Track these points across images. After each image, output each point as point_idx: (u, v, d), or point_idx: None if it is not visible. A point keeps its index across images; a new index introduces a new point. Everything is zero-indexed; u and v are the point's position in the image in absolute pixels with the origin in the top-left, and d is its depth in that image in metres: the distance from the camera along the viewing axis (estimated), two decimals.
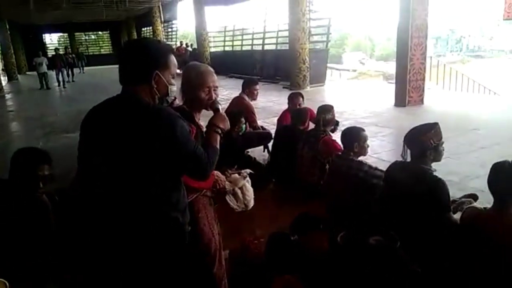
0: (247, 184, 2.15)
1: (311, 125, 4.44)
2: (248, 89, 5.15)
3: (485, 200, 2.12)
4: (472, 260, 2.01)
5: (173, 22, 25.10)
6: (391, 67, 16.97)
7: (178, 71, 1.68)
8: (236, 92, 5.63)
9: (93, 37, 36.75)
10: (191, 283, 1.98)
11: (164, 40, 23.58)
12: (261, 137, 5.18)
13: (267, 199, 4.27)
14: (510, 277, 1.90)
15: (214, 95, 1.94)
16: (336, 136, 4.00)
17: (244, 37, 18.13)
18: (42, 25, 28.74)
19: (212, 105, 1.90)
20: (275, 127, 5.39)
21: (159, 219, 1.56)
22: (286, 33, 12.57)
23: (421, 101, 8.58)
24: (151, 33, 24.07)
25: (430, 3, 8.22)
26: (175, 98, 2.07)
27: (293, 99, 4.99)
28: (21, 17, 23.67)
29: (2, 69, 21.98)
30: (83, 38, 35.38)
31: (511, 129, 6.04)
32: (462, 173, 4.12)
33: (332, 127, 4.09)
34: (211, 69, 2.00)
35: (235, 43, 18.89)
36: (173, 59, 1.61)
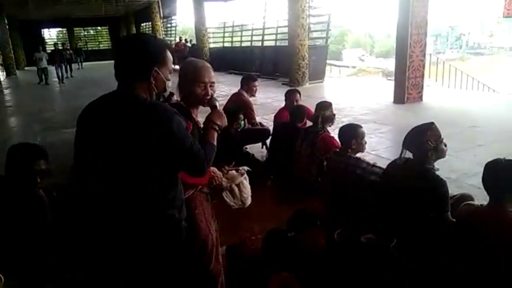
0: (245, 181, 2.14)
1: (308, 123, 4.44)
2: (247, 85, 5.14)
3: (482, 198, 2.13)
4: (470, 258, 2.01)
5: (173, 17, 25.01)
6: (390, 64, 16.98)
7: (176, 66, 1.68)
8: (235, 89, 5.62)
9: (92, 32, 36.60)
10: (188, 279, 1.98)
11: (163, 35, 23.53)
12: (260, 133, 5.18)
13: (264, 196, 4.28)
14: (507, 274, 1.90)
15: (210, 91, 1.93)
16: (334, 132, 3.99)
17: (244, 33, 18.08)
18: (41, 20, 28.62)
19: (210, 102, 1.90)
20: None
21: (155, 216, 1.56)
22: (286, 29, 12.53)
23: (420, 98, 8.58)
24: (150, 28, 23.99)
25: (430, 0, 8.20)
26: (173, 94, 2.07)
27: (290, 95, 4.98)
28: (19, 12, 23.56)
29: (1, 64, 21.90)
30: (82, 34, 35.25)
31: (510, 127, 6.04)
32: (460, 170, 4.13)
33: (331, 124, 4.09)
34: (208, 65, 1.99)
35: (234, 39, 18.84)
36: (170, 55, 1.62)
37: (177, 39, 21.77)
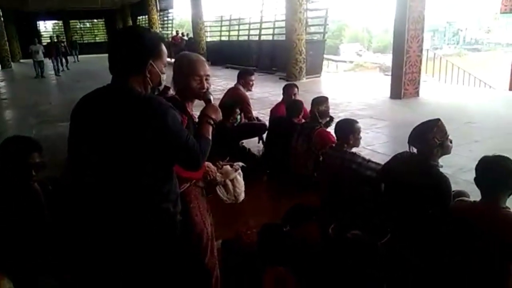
0: (239, 177, 2.14)
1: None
2: (244, 79, 5.12)
3: (477, 193, 2.14)
4: (467, 253, 2.02)
5: (169, 10, 24.88)
6: (388, 59, 16.96)
7: (172, 60, 1.67)
8: (232, 83, 5.61)
9: (88, 25, 36.34)
10: (183, 273, 1.99)
11: (160, 29, 23.39)
12: (256, 128, 5.17)
13: (260, 190, 4.28)
14: (501, 269, 1.92)
15: (206, 84, 1.92)
16: (330, 128, 3.99)
17: (241, 27, 18.01)
18: (36, 12, 28.38)
19: (204, 96, 1.89)
20: None
21: (150, 210, 1.56)
22: (283, 24, 12.48)
23: (417, 94, 8.60)
24: (147, 21, 23.83)
25: None
26: (169, 88, 2.06)
27: (288, 89, 4.97)
28: (15, 4, 23.33)
29: None
30: (78, 26, 35.00)
31: (505, 123, 6.08)
32: (455, 165, 4.14)
33: (328, 119, 4.07)
34: (203, 58, 1.98)
35: (231, 33, 18.76)
36: (164, 48, 1.61)
37: (174, 33, 21.67)
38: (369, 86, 10.67)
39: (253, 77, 5.17)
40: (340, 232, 2.39)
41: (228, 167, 2.12)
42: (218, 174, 2.06)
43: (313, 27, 13.73)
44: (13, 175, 2.16)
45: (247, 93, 5.24)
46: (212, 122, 1.73)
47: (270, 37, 15.70)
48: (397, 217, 2.47)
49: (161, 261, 1.65)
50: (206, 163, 1.94)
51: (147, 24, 23.19)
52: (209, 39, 19.30)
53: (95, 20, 35.54)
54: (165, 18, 25.41)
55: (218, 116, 1.77)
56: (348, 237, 2.22)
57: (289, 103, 4.63)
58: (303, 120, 4.37)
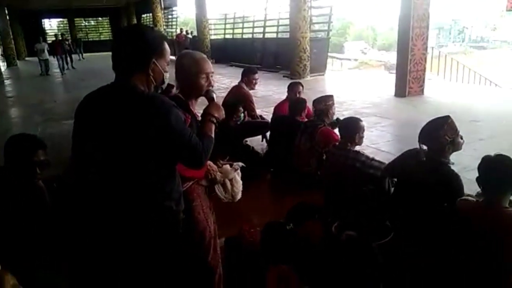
0: (237, 177, 2.15)
1: None
2: (247, 78, 5.12)
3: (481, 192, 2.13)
4: (470, 252, 2.01)
5: (173, 8, 24.87)
6: (393, 57, 16.88)
7: (173, 57, 1.68)
8: (236, 81, 5.61)
9: (92, 23, 36.44)
10: (186, 270, 2.00)
11: (164, 27, 23.40)
12: (259, 126, 5.17)
13: (264, 189, 4.30)
14: (503, 269, 1.91)
15: (212, 81, 1.93)
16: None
17: (245, 24, 17.99)
18: (41, 10, 28.50)
19: (207, 94, 1.90)
20: None
21: (152, 207, 1.57)
22: (287, 21, 12.46)
23: (421, 92, 8.56)
24: (151, 19, 23.86)
25: None
26: (173, 86, 2.06)
27: (293, 87, 4.98)
28: (20, 2, 23.44)
29: (1, 55, 21.86)
30: (82, 24, 35.12)
31: (510, 122, 6.03)
32: (460, 164, 4.09)
33: (335, 119, 4.06)
34: (205, 56, 1.99)
35: (235, 31, 18.75)
36: (167, 46, 1.62)
37: (178, 31, 21.67)
38: (374, 84, 10.63)
39: (256, 76, 5.17)
40: (343, 231, 2.39)
41: (227, 166, 2.12)
42: (218, 173, 2.07)
43: (317, 25, 13.69)
44: (18, 173, 2.18)
45: (251, 92, 5.24)
46: (214, 121, 1.73)
47: (274, 35, 15.68)
48: (403, 215, 2.46)
49: (164, 259, 1.66)
50: (208, 162, 1.95)
51: (151, 22, 23.22)
52: (213, 37, 19.29)
53: (100, 18, 35.61)
54: (170, 16, 25.42)
55: (221, 114, 1.77)
56: (342, 239, 2.23)
57: (292, 102, 4.63)
58: (306, 119, 4.37)
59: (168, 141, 1.49)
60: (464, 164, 4.18)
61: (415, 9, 7.96)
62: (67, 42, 19.00)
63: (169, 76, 1.67)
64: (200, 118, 1.82)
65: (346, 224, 2.58)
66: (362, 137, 3.21)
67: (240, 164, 2.18)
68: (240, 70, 5.50)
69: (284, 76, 11.93)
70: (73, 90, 11.61)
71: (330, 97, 4.08)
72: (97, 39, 34.08)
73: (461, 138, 2.39)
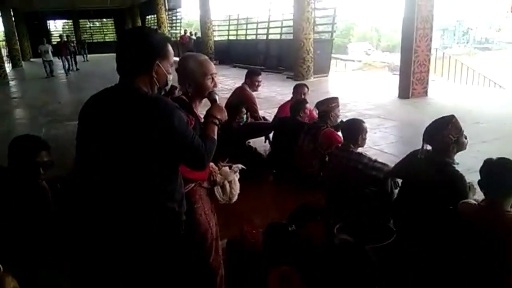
0: (235, 179, 2.16)
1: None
2: (250, 79, 5.14)
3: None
4: (472, 254, 2.01)
5: (178, 10, 24.96)
6: (396, 58, 16.86)
7: (177, 59, 1.69)
8: (239, 82, 5.63)
9: (97, 24, 36.60)
10: (188, 271, 2.00)
11: (169, 28, 23.48)
12: (262, 127, 5.18)
13: (266, 190, 4.30)
14: (506, 269, 1.91)
15: (216, 82, 1.95)
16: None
17: (249, 26, 18.02)
18: (46, 11, 28.67)
19: (209, 96, 1.90)
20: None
21: (155, 209, 1.57)
22: (291, 23, 12.47)
23: (425, 93, 8.54)
24: (156, 21, 23.96)
25: None
26: (176, 87, 2.07)
27: (298, 88, 5.03)
28: (25, 4, 23.58)
29: (7, 56, 21.98)
30: (87, 25, 35.27)
31: None
32: (462, 165, 4.08)
33: (338, 121, 4.06)
34: (207, 57, 2.01)
35: (239, 32, 18.79)
36: (171, 48, 1.63)
37: (182, 32, 21.73)
38: (377, 86, 10.62)
39: (259, 78, 5.18)
40: (344, 232, 2.39)
41: (227, 168, 2.13)
42: (218, 175, 2.08)
43: (321, 26, 13.69)
44: (22, 173, 2.20)
45: (254, 93, 5.26)
46: (217, 122, 1.74)
47: (277, 36, 15.69)
48: (406, 215, 2.46)
49: (166, 260, 1.66)
50: (210, 164, 1.96)
51: (156, 23, 23.30)
52: (217, 39, 19.33)
53: (105, 20, 35.78)
54: (174, 18, 25.51)
55: (224, 116, 1.78)
56: (335, 243, 2.22)
57: (293, 103, 4.66)
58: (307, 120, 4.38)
59: (171, 142, 1.50)
60: (467, 165, 4.16)
61: (419, 11, 7.95)
62: (72, 44, 19.10)
63: (173, 77, 1.68)
64: (203, 120, 1.83)
65: (348, 225, 2.57)
66: (365, 138, 3.21)
67: (240, 166, 2.19)
68: (244, 72, 5.52)
69: (287, 78, 11.93)
70: (77, 92, 11.67)
71: (334, 99, 4.08)
72: (102, 40, 34.23)
73: (465, 138, 2.39)
